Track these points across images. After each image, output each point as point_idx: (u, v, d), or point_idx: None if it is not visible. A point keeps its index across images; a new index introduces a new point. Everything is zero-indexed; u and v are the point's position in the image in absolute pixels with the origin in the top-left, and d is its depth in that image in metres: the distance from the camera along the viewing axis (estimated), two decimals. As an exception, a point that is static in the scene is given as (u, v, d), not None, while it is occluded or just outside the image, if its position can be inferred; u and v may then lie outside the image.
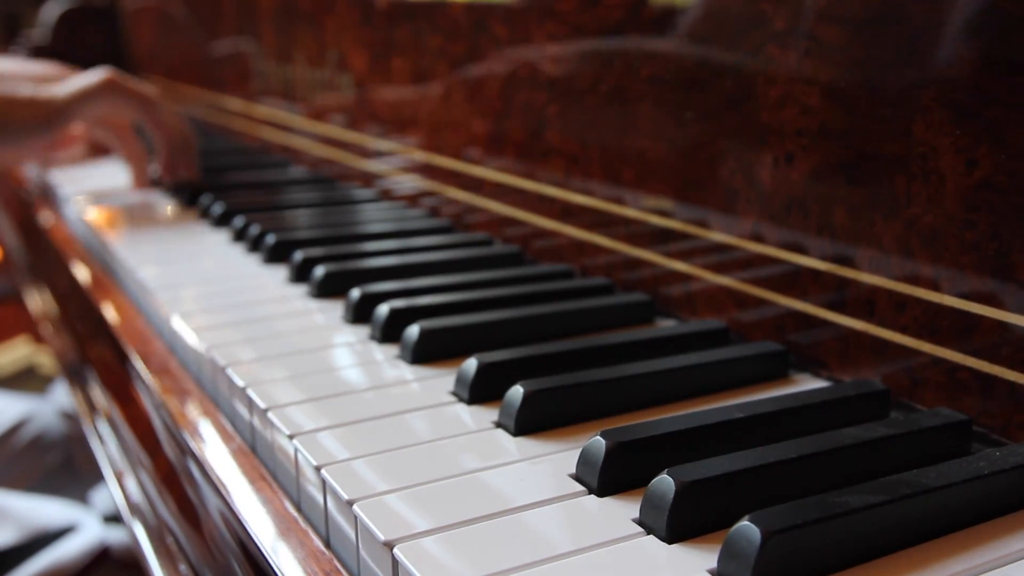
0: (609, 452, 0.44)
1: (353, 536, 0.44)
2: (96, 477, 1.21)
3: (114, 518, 1.07)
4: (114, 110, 1.11)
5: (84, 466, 1.32)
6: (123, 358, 0.76)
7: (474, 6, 0.85)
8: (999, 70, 0.47)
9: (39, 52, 1.87)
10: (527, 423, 0.51)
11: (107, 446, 0.72)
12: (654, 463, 0.43)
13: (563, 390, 0.52)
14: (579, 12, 0.73)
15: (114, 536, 1.03)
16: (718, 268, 0.64)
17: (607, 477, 0.44)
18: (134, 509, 0.63)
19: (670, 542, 0.40)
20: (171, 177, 1.15)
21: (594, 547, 0.40)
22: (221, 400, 0.63)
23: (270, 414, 0.53)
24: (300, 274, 0.80)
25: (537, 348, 0.58)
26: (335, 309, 0.72)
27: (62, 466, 1.33)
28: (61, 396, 1.42)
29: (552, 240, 0.80)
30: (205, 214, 1.04)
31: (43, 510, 1.06)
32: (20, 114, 1.05)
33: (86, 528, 1.03)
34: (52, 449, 1.33)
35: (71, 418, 1.36)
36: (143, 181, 1.19)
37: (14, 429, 1.31)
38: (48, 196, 1.32)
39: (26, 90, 1.06)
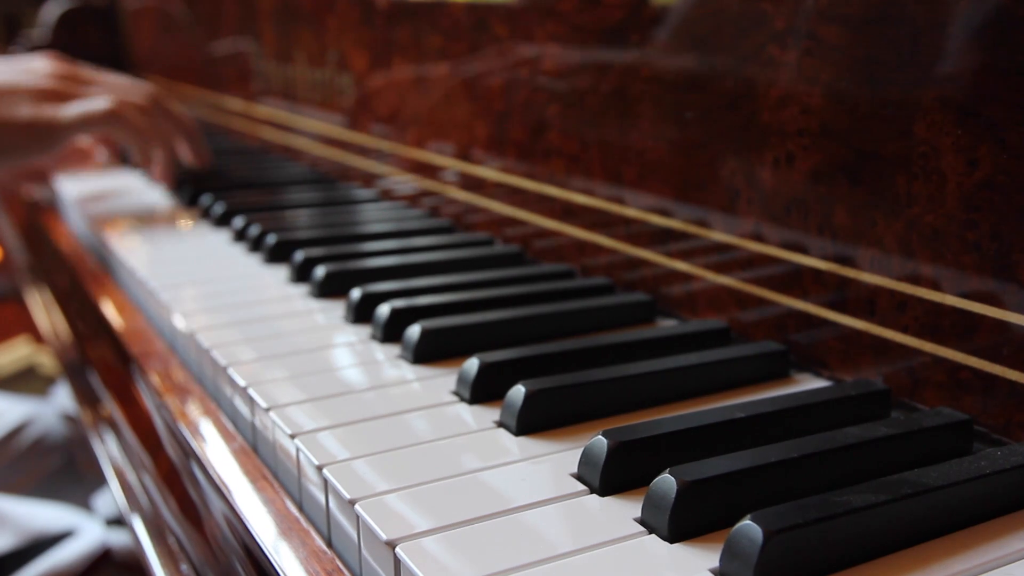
0: (611, 451, 0.44)
1: (355, 536, 0.44)
2: (98, 481, 1.21)
3: (116, 521, 1.07)
4: (113, 136, 1.12)
5: (86, 470, 1.32)
6: (124, 358, 0.76)
7: (475, 6, 0.85)
8: (999, 70, 0.47)
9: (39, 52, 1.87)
10: (529, 423, 0.51)
11: (108, 446, 0.72)
12: (656, 463, 0.43)
13: (565, 390, 0.52)
14: (580, 12, 0.73)
15: (115, 538, 1.03)
16: (719, 268, 0.64)
17: (609, 476, 0.44)
18: (135, 509, 0.63)
19: (672, 541, 0.40)
20: (201, 163, 1.17)
21: (596, 547, 0.40)
22: (222, 400, 0.63)
23: (271, 414, 0.53)
24: (301, 274, 0.80)
25: (538, 348, 0.58)
26: (336, 309, 0.72)
27: (64, 470, 1.33)
28: (62, 398, 1.42)
29: (553, 240, 0.80)
30: (206, 214, 1.04)
31: (43, 515, 1.06)
32: (19, 138, 1.03)
33: (86, 532, 1.03)
34: (53, 453, 1.33)
35: (72, 421, 1.35)
36: (167, 175, 1.17)
37: (15, 432, 1.31)
38: (49, 196, 1.32)
39: (26, 110, 1.04)
